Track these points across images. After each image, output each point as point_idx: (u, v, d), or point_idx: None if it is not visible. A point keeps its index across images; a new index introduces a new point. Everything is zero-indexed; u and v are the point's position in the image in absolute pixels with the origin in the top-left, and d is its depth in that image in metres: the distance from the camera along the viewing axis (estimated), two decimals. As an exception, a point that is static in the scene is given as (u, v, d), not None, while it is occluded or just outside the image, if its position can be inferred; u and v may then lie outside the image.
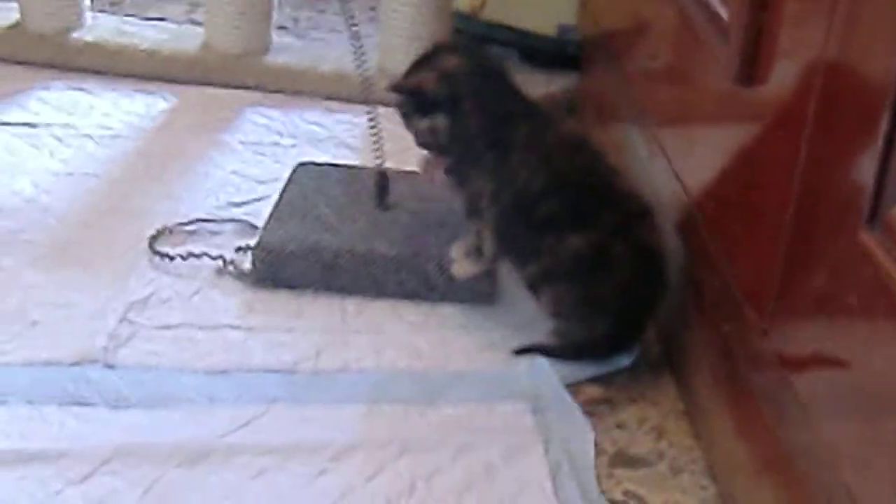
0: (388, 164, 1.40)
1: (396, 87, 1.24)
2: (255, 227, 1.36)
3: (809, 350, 0.90)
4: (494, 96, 1.23)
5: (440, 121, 1.22)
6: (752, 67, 0.99)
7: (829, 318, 0.86)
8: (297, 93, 1.75)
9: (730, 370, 1.04)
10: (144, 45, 1.78)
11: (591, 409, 1.14)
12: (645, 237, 1.17)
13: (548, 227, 1.17)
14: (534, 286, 1.20)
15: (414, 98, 1.23)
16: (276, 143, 1.62)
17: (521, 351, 1.19)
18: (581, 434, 1.09)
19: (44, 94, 1.70)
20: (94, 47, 1.77)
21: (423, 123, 1.23)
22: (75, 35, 1.79)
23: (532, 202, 1.18)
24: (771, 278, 0.94)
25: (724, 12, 1.05)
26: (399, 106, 1.26)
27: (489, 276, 1.28)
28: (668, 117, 1.33)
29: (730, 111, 1.10)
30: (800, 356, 0.91)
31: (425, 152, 1.28)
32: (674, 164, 1.26)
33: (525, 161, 1.19)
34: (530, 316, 1.22)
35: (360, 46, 1.43)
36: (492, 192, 1.20)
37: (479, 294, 1.28)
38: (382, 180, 1.39)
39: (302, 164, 1.47)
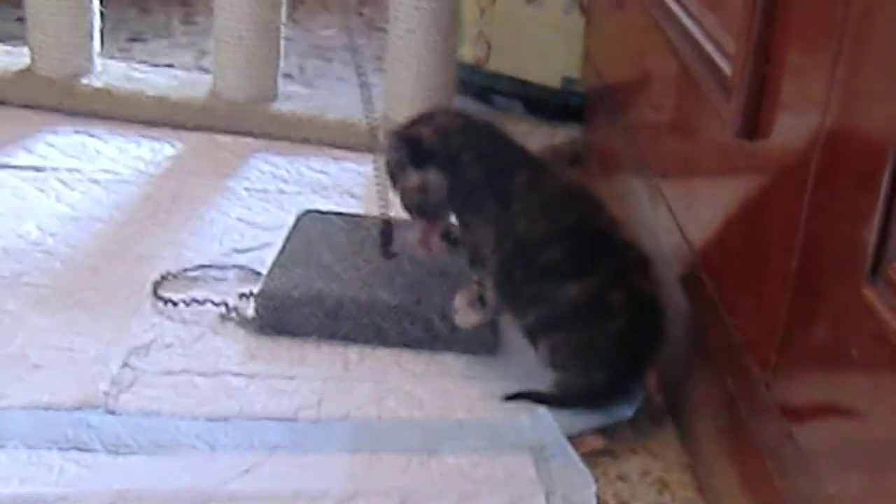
0: (393, 213, 1.41)
1: (394, 134, 1.26)
2: (259, 274, 1.37)
3: (812, 402, 0.89)
4: (492, 147, 1.25)
5: (431, 177, 1.24)
6: (754, 121, 0.99)
7: (832, 370, 0.86)
8: (303, 141, 1.76)
9: (733, 422, 1.04)
10: (152, 92, 1.80)
11: (593, 460, 1.13)
12: (644, 286, 1.18)
13: (547, 275, 1.17)
14: (532, 335, 1.20)
15: (409, 148, 1.25)
16: (282, 191, 1.63)
17: (514, 397, 1.19)
18: (583, 485, 1.09)
19: (52, 138, 1.71)
20: (103, 93, 1.79)
21: (414, 178, 1.25)
22: (84, 80, 1.80)
23: (532, 250, 1.19)
24: (774, 330, 0.94)
25: (726, 67, 1.06)
26: (388, 162, 1.28)
27: (492, 325, 1.28)
28: (670, 169, 1.34)
29: (732, 163, 1.10)
30: (803, 408, 0.91)
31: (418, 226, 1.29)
32: (676, 216, 1.27)
33: (525, 209, 1.20)
34: (532, 366, 1.22)
35: (369, 95, 1.45)
36: (494, 241, 1.21)
37: (482, 344, 1.28)
38: (387, 229, 1.40)
39: (306, 212, 1.47)
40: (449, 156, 1.24)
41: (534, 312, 1.19)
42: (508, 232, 1.20)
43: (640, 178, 1.44)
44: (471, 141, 1.24)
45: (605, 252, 1.18)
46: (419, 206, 1.27)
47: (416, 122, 1.29)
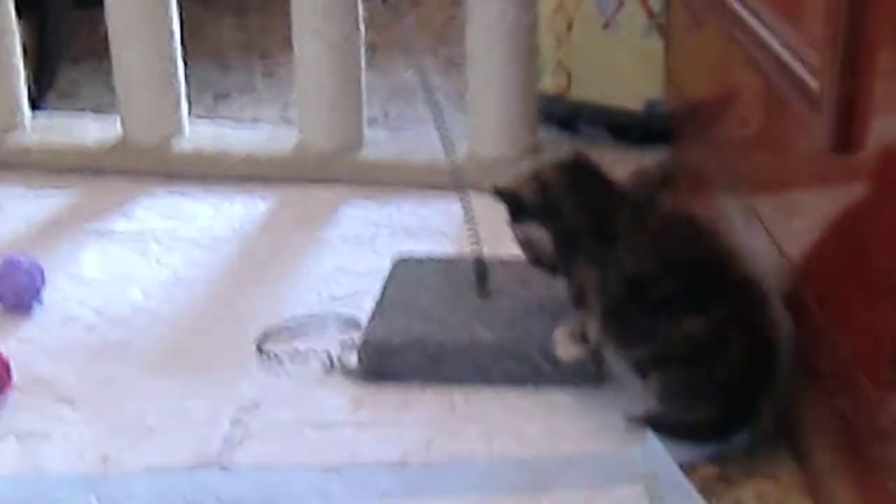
0: (485, 250, 1.41)
1: (496, 191, 1.28)
2: (359, 322, 1.38)
3: (931, 419, 0.87)
4: (592, 194, 1.26)
5: (533, 231, 1.26)
6: (847, 135, 0.98)
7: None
8: (391, 185, 1.78)
9: (849, 441, 1.02)
10: (241, 150, 1.83)
11: (707, 487, 1.11)
12: (762, 325, 1.15)
13: (661, 311, 1.16)
14: (643, 369, 1.19)
15: (508, 205, 1.27)
16: (374, 236, 1.64)
17: (634, 420, 1.18)
18: (699, 515, 1.07)
19: (148, 202, 1.76)
20: (194, 155, 1.83)
21: (518, 234, 1.27)
22: (175, 144, 1.85)
23: (643, 286, 1.17)
24: (883, 347, 0.92)
25: (812, 81, 1.04)
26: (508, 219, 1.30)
27: (594, 356, 1.27)
28: (763, 185, 1.32)
29: (828, 176, 1.08)
30: (921, 425, 0.88)
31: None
32: (773, 234, 1.25)
33: (632, 247, 1.19)
34: (639, 395, 1.21)
35: (447, 135, 1.46)
36: (598, 282, 1.21)
37: (586, 376, 1.27)
38: (481, 268, 1.40)
39: (401, 258, 1.48)
40: (547, 208, 1.25)
41: (645, 347, 1.18)
42: (615, 271, 1.19)
43: (732, 197, 1.42)
44: (570, 191, 1.26)
45: (722, 288, 1.16)
46: (535, 260, 1.29)
47: (521, 180, 1.30)
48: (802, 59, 1.08)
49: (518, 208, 1.27)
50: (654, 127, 1.78)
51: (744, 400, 1.15)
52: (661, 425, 1.17)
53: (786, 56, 1.13)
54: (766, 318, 1.16)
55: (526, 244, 1.29)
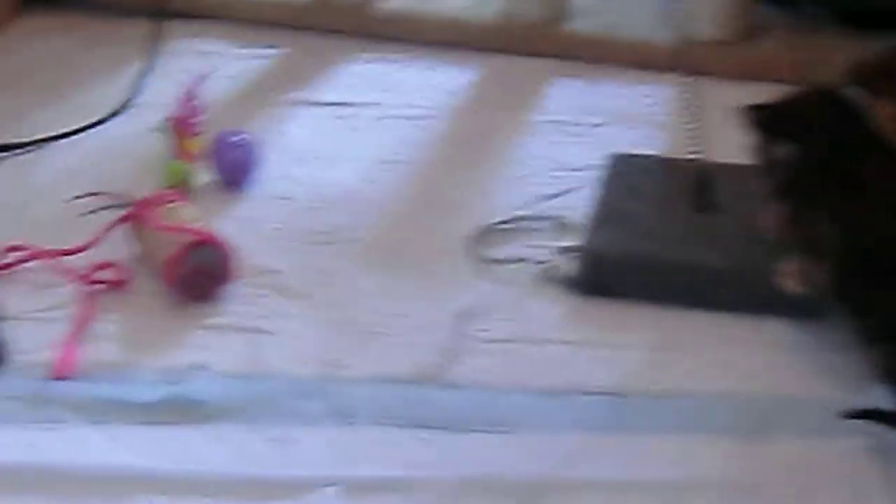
0: (707, 148, 1.34)
1: (751, 107, 1.20)
2: (572, 226, 1.35)
3: None
4: (846, 131, 1.17)
5: (782, 153, 1.18)
6: None
7: None
8: (598, 61, 1.71)
9: None
10: (446, 14, 1.78)
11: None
12: None
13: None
14: (869, 340, 1.13)
15: (767, 117, 1.19)
16: (583, 122, 1.59)
17: (853, 416, 1.11)
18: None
19: (353, 68, 1.73)
20: (397, 16, 1.79)
21: (764, 153, 1.19)
22: (378, 4, 1.81)
23: (885, 249, 1.11)
24: None
25: None
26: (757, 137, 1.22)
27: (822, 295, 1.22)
28: None
29: None
30: None
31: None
32: None
33: (881, 203, 1.12)
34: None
35: (673, 10, 1.38)
36: (834, 233, 1.14)
37: (809, 309, 1.22)
38: (703, 177, 1.35)
39: (618, 157, 1.43)
40: (800, 135, 1.17)
41: (875, 317, 1.12)
42: (856, 227, 1.13)
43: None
44: (827, 123, 1.17)
45: None
46: (777, 189, 1.20)
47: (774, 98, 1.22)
48: None
49: (773, 124, 1.19)
50: (888, 13, 1.66)
51: None
52: (888, 421, 1.11)
53: None
54: None
55: (769, 167, 1.20)
